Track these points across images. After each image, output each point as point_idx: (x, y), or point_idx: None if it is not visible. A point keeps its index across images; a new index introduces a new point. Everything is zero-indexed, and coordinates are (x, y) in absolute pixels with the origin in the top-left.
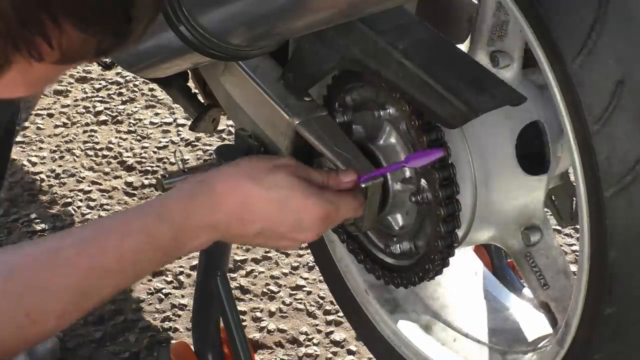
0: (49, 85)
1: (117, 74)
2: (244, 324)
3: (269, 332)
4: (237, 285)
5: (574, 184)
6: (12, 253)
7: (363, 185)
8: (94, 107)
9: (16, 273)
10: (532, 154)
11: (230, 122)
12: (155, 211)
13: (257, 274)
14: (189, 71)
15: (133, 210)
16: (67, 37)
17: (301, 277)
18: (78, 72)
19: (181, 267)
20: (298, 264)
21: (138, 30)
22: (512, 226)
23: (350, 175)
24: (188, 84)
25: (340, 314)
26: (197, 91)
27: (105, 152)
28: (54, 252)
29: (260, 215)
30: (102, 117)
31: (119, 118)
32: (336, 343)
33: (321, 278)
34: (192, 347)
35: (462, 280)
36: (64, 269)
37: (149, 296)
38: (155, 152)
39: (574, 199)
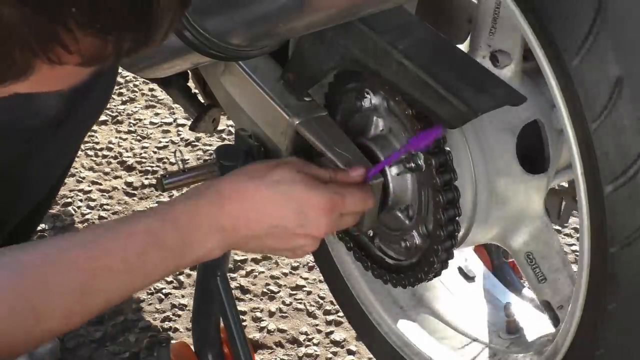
0: (85, 78)
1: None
2: (244, 324)
3: (269, 332)
4: (237, 285)
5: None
6: (21, 251)
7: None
8: None
9: (25, 271)
10: (532, 153)
11: (230, 122)
12: (160, 213)
13: (257, 274)
14: (189, 71)
15: (138, 212)
16: (84, 43)
17: (301, 277)
18: None
19: None
20: (298, 264)
21: (161, 30)
22: (512, 225)
23: (359, 171)
24: (188, 84)
25: (340, 314)
26: (197, 91)
27: (105, 152)
28: (61, 252)
29: (265, 213)
30: (102, 117)
31: (119, 118)
32: (336, 343)
33: (321, 278)
34: (192, 347)
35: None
36: (70, 268)
37: (149, 296)
38: (155, 152)
39: (563, 199)
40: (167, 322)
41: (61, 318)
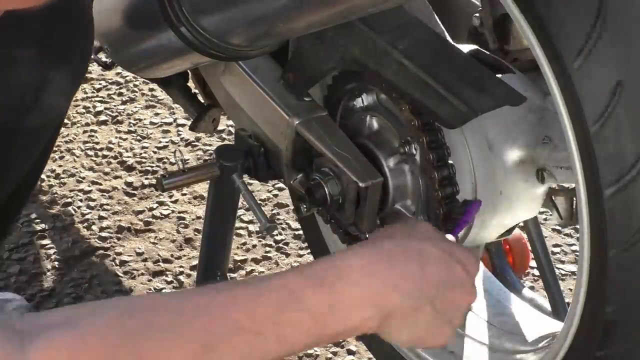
0: None
1: (117, 74)
2: None
3: None
4: None
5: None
6: (138, 297)
7: (362, 185)
8: (94, 107)
9: (137, 310)
10: None
11: (230, 122)
12: (300, 270)
13: (257, 274)
14: (189, 71)
15: (274, 273)
16: None
17: None
18: None
19: (181, 267)
20: (298, 264)
21: None
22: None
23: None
24: (188, 84)
25: None
26: (197, 91)
27: (105, 152)
28: (182, 296)
29: (435, 273)
30: (102, 117)
31: (119, 118)
32: (336, 343)
33: None
34: None
35: None
36: (190, 313)
37: None
38: (155, 152)
39: (574, 199)
40: None
41: None
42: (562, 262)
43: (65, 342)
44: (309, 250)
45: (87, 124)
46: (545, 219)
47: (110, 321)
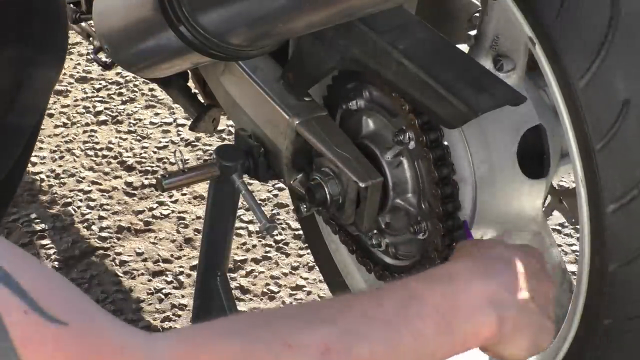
0: None
1: (117, 74)
2: None
3: None
4: (237, 285)
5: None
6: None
7: (362, 185)
8: (94, 107)
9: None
10: (533, 157)
11: (230, 122)
12: (410, 277)
13: (257, 274)
14: (189, 71)
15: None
16: None
17: (301, 277)
18: (78, 72)
19: (181, 267)
20: (298, 264)
21: None
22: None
23: None
24: (188, 84)
25: None
26: (197, 91)
27: (105, 152)
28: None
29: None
30: (102, 117)
31: (119, 118)
32: None
33: (321, 278)
34: None
35: None
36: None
37: (149, 296)
38: (155, 152)
39: None
40: (167, 322)
41: None
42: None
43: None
44: (308, 250)
45: (87, 124)
46: (546, 219)
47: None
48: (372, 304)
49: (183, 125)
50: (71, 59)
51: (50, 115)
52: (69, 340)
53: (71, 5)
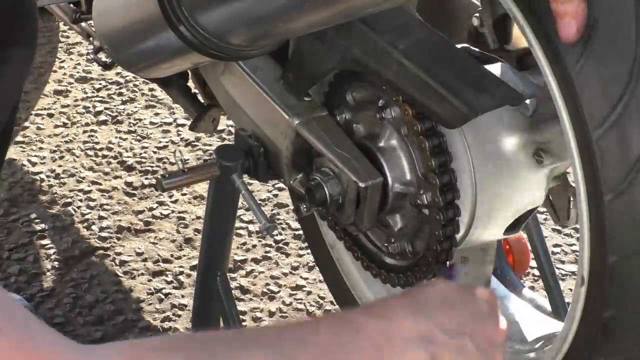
0: None
1: (117, 74)
2: (244, 324)
3: None
4: (237, 285)
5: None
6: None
7: (362, 185)
8: (94, 107)
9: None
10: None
11: (230, 122)
12: (349, 309)
13: (257, 274)
14: (189, 71)
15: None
16: None
17: (301, 277)
18: (78, 72)
19: (181, 267)
20: (298, 264)
21: None
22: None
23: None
24: (188, 84)
25: None
26: (197, 91)
27: (105, 152)
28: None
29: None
30: (102, 117)
31: (119, 118)
32: None
33: (321, 278)
34: None
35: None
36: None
37: (149, 296)
38: (155, 152)
39: (571, 198)
40: (167, 322)
41: None
42: (562, 262)
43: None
44: (308, 250)
45: (87, 124)
46: (546, 219)
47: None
48: (309, 330)
49: (183, 125)
50: (71, 59)
51: (50, 115)
52: (3, 347)
53: (71, 5)
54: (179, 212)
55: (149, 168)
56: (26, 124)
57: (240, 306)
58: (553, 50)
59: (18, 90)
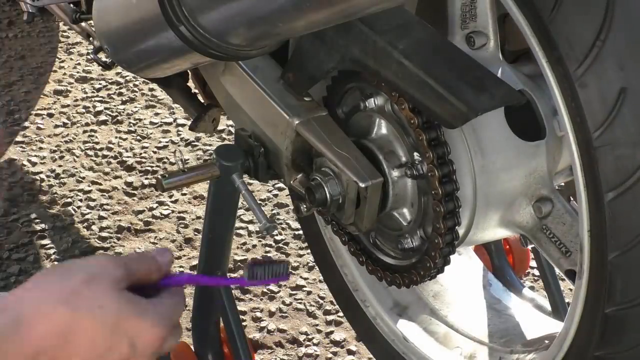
0: None
1: (117, 74)
2: (244, 324)
3: (269, 332)
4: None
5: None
6: None
7: (362, 185)
8: (94, 107)
9: None
10: (523, 120)
11: (230, 122)
12: None
13: None
14: (189, 71)
15: None
16: None
17: (301, 277)
18: (78, 72)
19: (181, 267)
20: (298, 264)
21: None
22: (520, 202)
23: (166, 255)
24: (188, 84)
25: (340, 314)
26: (197, 91)
27: (105, 152)
28: None
29: (84, 348)
30: (102, 117)
31: (119, 118)
32: (336, 343)
33: (321, 278)
34: (192, 347)
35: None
36: None
37: None
38: (155, 152)
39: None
40: None
41: None
42: None
43: None
44: (308, 250)
45: (87, 124)
46: None
47: None
48: None
49: (183, 125)
50: (71, 59)
51: (50, 115)
52: None
53: (71, 5)
54: (179, 212)
55: (149, 168)
56: (26, 124)
57: (240, 306)
58: (555, 53)
59: None
